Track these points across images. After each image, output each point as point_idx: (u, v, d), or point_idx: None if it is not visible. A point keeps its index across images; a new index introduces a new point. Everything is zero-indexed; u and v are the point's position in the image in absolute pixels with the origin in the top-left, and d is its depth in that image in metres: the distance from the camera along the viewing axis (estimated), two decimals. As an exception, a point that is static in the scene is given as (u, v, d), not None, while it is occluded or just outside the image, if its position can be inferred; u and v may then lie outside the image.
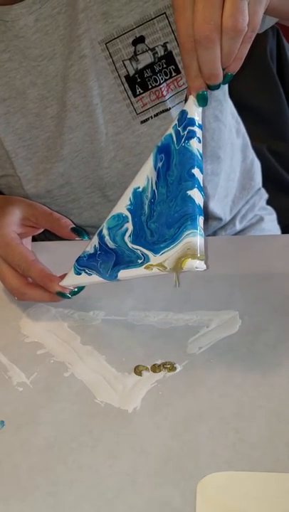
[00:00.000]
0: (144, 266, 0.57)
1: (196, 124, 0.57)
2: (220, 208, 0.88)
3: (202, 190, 0.56)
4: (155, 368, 0.58)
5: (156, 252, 0.56)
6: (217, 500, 0.46)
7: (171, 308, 0.66)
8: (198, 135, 0.57)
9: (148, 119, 0.72)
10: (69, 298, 0.63)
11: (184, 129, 0.57)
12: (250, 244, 0.77)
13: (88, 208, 0.82)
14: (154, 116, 0.72)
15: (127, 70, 0.69)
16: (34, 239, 0.75)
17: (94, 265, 0.61)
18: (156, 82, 0.70)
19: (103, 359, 0.60)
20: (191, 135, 0.56)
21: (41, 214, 0.66)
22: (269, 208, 1.00)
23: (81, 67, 0.68)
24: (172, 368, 0.58)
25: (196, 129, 0.57)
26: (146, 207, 0.58)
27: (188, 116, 0.56)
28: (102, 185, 0.78)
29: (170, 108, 0.72)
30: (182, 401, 0.55)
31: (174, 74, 0.70)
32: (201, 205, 0.55)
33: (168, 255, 0.55)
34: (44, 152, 0.75)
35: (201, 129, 0.57)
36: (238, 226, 0.93)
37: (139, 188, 0.59)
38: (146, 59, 0.68)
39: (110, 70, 0.69)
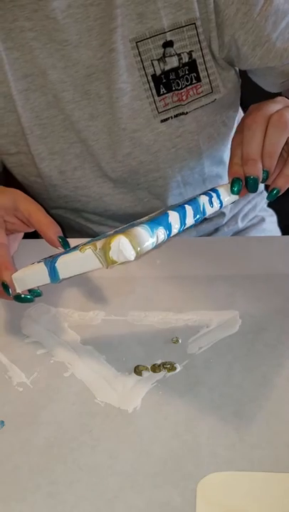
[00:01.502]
0: (79, 248, 0.53)
1: (219, 194, 0.58)
2: None
3: (183, 225, 0.54)
4: (155, 368, 0.58)
5: (100, 239, 0.53)
6: (217, 500, 0.46)
7: (171, 309, 0.66)
8: (213, 200, 0.57)
9: (168, 118, 0.74)
10: (9, 295, 0.60)
11: (206, 191, 0.59)
12: (250, 244, 0.77)
13: (97, 198, 0.82)
14: (174, 116, 0.74)
15: (154, 70, 0.71)
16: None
17: (47, 257, 0.59)
18: (179, 86, 0.73)
19: (103, 359, 0.60)
20: (207, 194, 0.57)
21: (35, 211, 0.63)
22: (270, 209, 1.02)
23: (109, 60, 0.70)
24: (172, 368, 0.58)
25: (214, 195, 0.58)
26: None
27: (217, 188, 0.59)
28: (114, 178, 0.79)
29: (187, 112, 0.74)
30: (182, 401, 0.55)
31: (194, 81, 0.73)
32: (172, 230, 0.52)
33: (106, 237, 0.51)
34: (61, 132, 0.76)
35: (220, 205, 0.58)
36: (240, 224, 0.94)
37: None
38: (172, 63, 0.71)
39: (137, 68, 0.71)
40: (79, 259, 0.53)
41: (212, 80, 0.73)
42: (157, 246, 0.51)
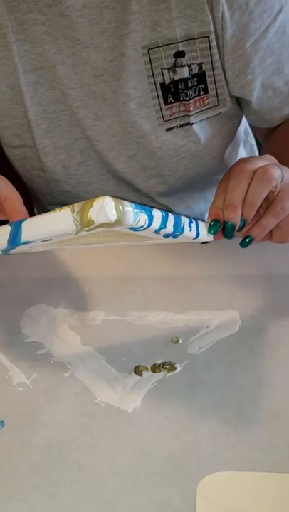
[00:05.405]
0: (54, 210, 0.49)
1: (198, 225, 0.58)
2: None
3: (163, 227, 0.53)
4: (155, 368, 0.58)
5: None
6: (217, 500, 0.46)
7: (171, 309, 0.66)
8: (192, 225, 0.57)
9: (174, 127, 0.74)
10: None
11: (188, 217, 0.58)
12: (250, 244, 0.77)
13: (98, 195, 0.82)
14: (180, 126, 0.74)
15: (163, 78, 0.71)
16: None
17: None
18: (187, 96, 0.72)
19: (103, 359, 0.60)
20: (188, 218, 0.57)
21: (10, 198, 0.59)
22: None
23: (119, 64, 0.70)
24: (172, 368, 0.58)
25: (194, 222, 0.58)
26: None
27: (197, 220, 0.60)
28: (117, 177, 0.79)
29: (193, 123, 0.74)
30: (182, 401, 0.55)
31: (202, 93, 0.73)
32: (152, 223, 0.51)
33: None
34: (66, 127, 0.76)
35: (196, 235, 0.58)
36: None
37: None
38: (182, 73, 0.71)
39: (146, 75, 0.71)
40: (51, 218, 0.50)
41: (219, 94, 0.73)
42: (135, 229, 0.50)
